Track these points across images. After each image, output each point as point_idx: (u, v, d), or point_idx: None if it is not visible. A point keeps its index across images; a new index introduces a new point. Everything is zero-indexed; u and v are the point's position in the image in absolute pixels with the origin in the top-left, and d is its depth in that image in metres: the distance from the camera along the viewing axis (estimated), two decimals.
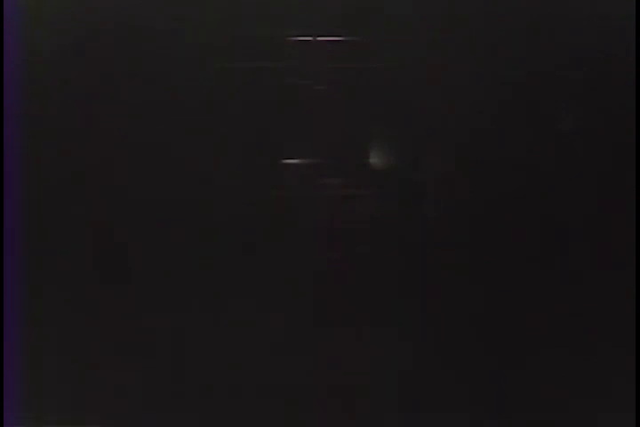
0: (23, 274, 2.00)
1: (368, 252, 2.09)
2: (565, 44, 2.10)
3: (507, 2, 2.09)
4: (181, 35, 2.06)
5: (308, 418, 2.04)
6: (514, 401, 2.07)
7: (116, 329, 2.05)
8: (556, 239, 2.09)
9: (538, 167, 2.09)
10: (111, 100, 2.06)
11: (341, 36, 2.07)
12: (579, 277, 2.08)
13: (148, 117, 2.06)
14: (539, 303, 2.08)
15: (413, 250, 2.08)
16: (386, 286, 2.07)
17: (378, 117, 2.10)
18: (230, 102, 2.07)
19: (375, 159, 2.11)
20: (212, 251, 2.06)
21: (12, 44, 2.00)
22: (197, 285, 2.06)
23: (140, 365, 2.05)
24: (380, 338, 2.06)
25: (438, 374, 2.07)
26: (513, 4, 2.08)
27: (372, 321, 2.07)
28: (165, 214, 2.06)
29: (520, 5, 2.08)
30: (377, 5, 2.06)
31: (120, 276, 2.07)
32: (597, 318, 2.08)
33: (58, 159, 2.06)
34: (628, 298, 2.05)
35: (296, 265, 2.07)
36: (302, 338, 2.05)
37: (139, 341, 2.05)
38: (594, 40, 2.08)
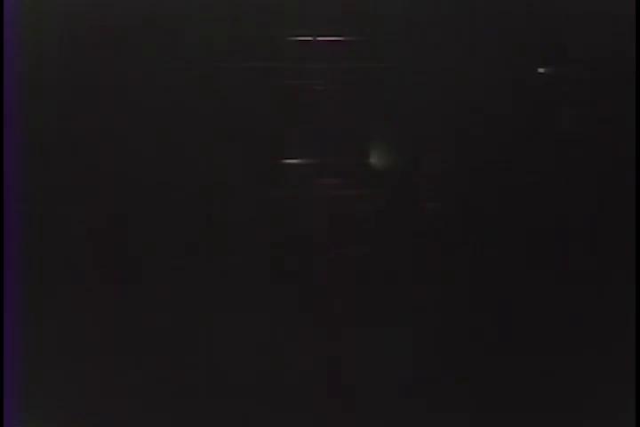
0: (23, 274, 2.01)
1: (368, 252, 2.09)
2: (565, 43, 2.10)
3: (507, 2, 2.09)
4: (181, 34, 2.05)
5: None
6: (511, 400, 2.08)
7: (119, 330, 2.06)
8: (556, 239, 2.09)
9: (537, 167, 2.09)
10: (110, 100, 2.06)
11: (341, 36, 2.07)
12: (579, 277, 2.09)
13: (148, 118, 2.06)
14: (539, 303, 2.08)
15: (413, 250, 2.08)
16: (386, 286, 2.08)
17: (378, 117, 2.11)
18: (230, 102, 2.07)
19: (375, 159, 2.11)
20: (211, 251, 2.06)
21: (12, 43, 2.01)
22: (195, 285, 2.06)
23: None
24: (381, 339, 2.06)
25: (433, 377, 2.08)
26: (513, 3, 2.08)
27: (372, 321, 2.07)
28: (163, 214, 2.06)
29: (520, 5, 2.08)
30: (377, 5, 2.06)
31: (119, 277, 2.07)
32: (597, 318, 2.09)
33: (56, 159, 2.06)
34: (627, 298, 2.05)
35: (295, 265, 2.07)
36: (301, 339, 2.05)
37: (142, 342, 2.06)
38: (594, 40, 2.08)
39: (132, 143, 2.07)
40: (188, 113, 2.06)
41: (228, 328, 2.05)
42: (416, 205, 2.11)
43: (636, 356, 2.03)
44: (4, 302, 1.95)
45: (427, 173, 2.11)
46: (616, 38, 2.06)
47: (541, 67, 2.11)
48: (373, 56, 2.08)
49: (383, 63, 2.07)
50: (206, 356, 2.05)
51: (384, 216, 2.09)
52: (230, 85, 2.06)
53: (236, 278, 2.06)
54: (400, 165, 2.12)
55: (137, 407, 2.05)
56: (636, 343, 2.03)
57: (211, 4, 2.05)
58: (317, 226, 2.08)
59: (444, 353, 2.08)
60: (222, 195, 2.06)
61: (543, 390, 2.08)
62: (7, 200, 1.98)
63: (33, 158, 2.03)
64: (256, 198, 2.07)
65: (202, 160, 2.06)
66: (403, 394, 2.06)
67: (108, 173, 2.06)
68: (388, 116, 2.10)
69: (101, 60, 2.05)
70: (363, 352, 2.07)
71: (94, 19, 2.06)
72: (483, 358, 2.08)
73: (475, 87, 2.06)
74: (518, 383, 2.08)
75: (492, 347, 2.08)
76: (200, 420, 2.06)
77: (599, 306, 2.09)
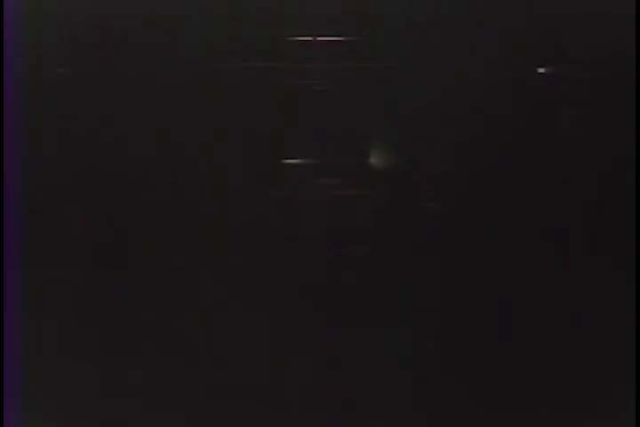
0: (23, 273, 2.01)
1: (368, 252, 2.09)
2: (565, 43, 2.10)
3: (507, 2, 2.09)
4: (181, 34, 2.05)
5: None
6: (512, 400, 2.08)
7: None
8: (556, 239, 2.09)
9: (537, 167, 2.09)
10: (110, 99, 2.06)
11: (341, 36, 2.07)
12: (579, 277, 2.09)
13: (148, 118, 2.06)
14: (539, 303, 2.08)
15: (413, 250, 2.08)
16: (386, 286, 2.07)
17: (378, 117, 2.11)
18: (230, 102, 2.07)
19: (375, 159, 2.11)
20: (210, 251, 2.06)
21: (12, 43, 2.01)
22: (195, 285, 2.06)
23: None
24: (381, 339, 2.06)
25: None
26: (513, 3, 2.08)
27: (372, 322, 2.07)
28: (163, 214, 2.06)
29: (520, 5, 2.08)
30: (377, 5, 2.06)
31: (118, 277, 2.07)
32: (597, 318, 2.09)
33: (56, 159, 2.06)
34: (627, 298, 2.05)
35: (295, 265, 2.07)
36: (301, 339, 2.05)
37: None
38: (594, 40, 2.08)
39: (132, 143, 2.06)
40: (188, 113, 2.06)
41: (228, 328, 2.04)
42: (416, 205, 2.11)
43: (636, 356, 2.03)
44: (4, 302, 1.95)
45: (427, 173, 2.11)
46: (616, 38, 2.06)
47: (541, 67, 2.11)
48: (373, 56, 2.08)
49: (383, 63, 2.07)
50: (206, 356, 2.05)
51: (384, 216, 2.09)
52: (230, 85, 2.06)
53: (236, 279, 2.06)
54: (400, 165, 2.12)
55: (137, 407, 2.05)
56: (636, 343, 2.03)
57: (211, 4, 2.05)
58: (317, 226, 2.08)
59: (444, 353, 2.08)
60: (222, 195, 2.06)
61: (543, 390, 2.08)
62: (7, 200, 1.98)
63: (33, 158, 2.03)
64: (256, 198, 2.07)
65: (202, 160, 2.06)
66: (403, 394, 2.06)
67: (108, 173, 2.06)
68: (388, 116, 2.10)
69: (101, 60, 2.05)
70: (363, 352, 2.07)
71: (94, 19, 2.06)
72: (483, 358, 2.08)
73: (475, 87, 2.05)
74: (518, 383, 2.08)
75: (492, 347, 2.08)
76: (199, 420, 2.06)
77: (599, 306, 2.09)
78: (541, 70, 2.11)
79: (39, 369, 2.02)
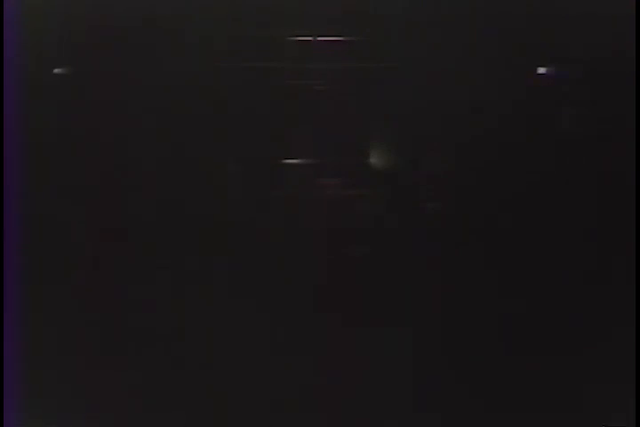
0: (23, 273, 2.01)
1: (368, 252, 2.09)
2: (565, 43, 2.10)
3: (507, 2, 2.09)
4: (181, 34, 2.06)
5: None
6: (512, 400, 2.08)
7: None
8: (556, 239, 2.09)
9: (537, 167, 2.09)
10: (109, 100, 2.06)
11: (341, 36, 2.07)
12: (579, 277, 2.09)
13: (148, 118, 2.06)
14: (540, 304, 2.08)
15: (413, 250, 2.08)
16: (386, 286, 2.08)
17: (378, 117, 2.11)
18: (230, 102, 2.07)
19: (375, 159, 2.11)
20: (210, 251, 2.06)
21: (12, 43, 2.01)
22: (195, 286, 2.06)
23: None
24: (381, 340, 2.06)
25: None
26: (513, 3, 2.09)
27: (372, 322, 2.07)
28: (162, 214, 2.06)
29: (520, 5, 2.08)
30: (377, 5, 2.06)
31: (119, 277, 2.07)
32: (597, 318, 2.09)
33: (56, 160, 2.06)
34: (627, 298, 2.05)
35: (295, 266, 2.07)
36: (301, 339, 2.05)
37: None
38: (594, 40, 2.09)
39: (132, 143, 2.07)
40: (188, 113, 2.06)
41: (228, 329, 2.05)
42: (416, 205, 2.11)
43: (636, 356, 2.03)
44: (4, 302, 1.95)
45: (427, 173, 2.11)
46: (616, 38, 2.07)
47: (541, 67, 2.11)
48: (373, 56, 2.08)
49: (383, 63, 2.08)
50: (206, 357, 2.05)
51: (384, 216, 2.09)
52: (230, 85, 2.06)
53: (236, 279, 2.06)
54: (400, 165, 2.12)
55: (137, 407, 2.06)
56: (636, 343, 2.03)
57: (211, 4, 2.06)
58: (317, 226, 2.08)
59: (445, 354, 2.08)
60: (222, 195, 2.07)
61: (544, 390, 2.08)
62: (7, 200, 1.98)
63: (33, 158, 2.03)
64: (256, 198, 2.08)
65: (202, 160, 2.06)
66: (402, 394, 2.06)
67: (108, 174, 2.06)
68: (388, 116, 2.10)
69: (101, 60, 2.06)
70: (362, 353, 2.07)
71: (94, 19, 2.07)
72: (484, 359, 2.08)
73: (474, 87, 2.06)
74: (519, 383, 2.08)
75: (492, 348, 2.08)
76: (199, 420, 2.06)
77: (600, 306, 2.09)
78: (541, 70, 2.11)
79: (39, 369, 2.02)
